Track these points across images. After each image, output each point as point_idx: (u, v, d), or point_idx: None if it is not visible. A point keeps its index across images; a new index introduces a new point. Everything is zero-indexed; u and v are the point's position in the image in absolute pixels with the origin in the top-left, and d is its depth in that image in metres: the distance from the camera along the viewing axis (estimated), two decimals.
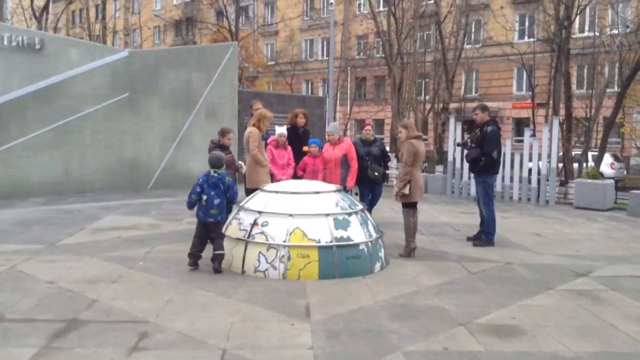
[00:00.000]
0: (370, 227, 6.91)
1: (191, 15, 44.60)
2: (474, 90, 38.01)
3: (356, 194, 8.89)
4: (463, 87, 34.78)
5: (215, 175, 6.69)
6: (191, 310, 5.18)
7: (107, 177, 13.57)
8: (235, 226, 6.80)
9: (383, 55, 27.62)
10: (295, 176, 8.70)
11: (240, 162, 8.15)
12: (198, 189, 6.62)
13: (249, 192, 8.43)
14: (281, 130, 8.81)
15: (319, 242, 6.38)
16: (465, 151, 8.68)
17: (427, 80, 31.11)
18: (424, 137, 8.08)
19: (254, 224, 6.59)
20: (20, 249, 7.43)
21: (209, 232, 6.66)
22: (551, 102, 19.67)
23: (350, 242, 6.51)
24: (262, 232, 6.50)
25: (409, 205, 7.55)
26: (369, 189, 9.06)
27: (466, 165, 14.27)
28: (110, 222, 9.57)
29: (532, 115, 23.75)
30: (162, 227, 9.23)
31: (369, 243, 6.70)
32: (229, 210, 7.10)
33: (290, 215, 6.50)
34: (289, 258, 6.32)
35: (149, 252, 7.45)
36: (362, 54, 37.51)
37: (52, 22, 23.56)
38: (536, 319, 5.18)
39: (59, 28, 43.98)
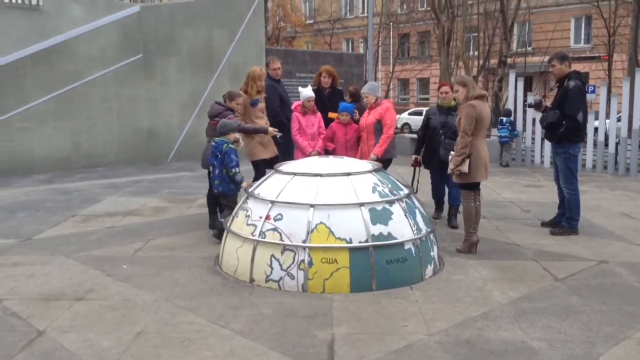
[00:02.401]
0: (420, 218, 5.22)
1: None
2: (527, 44, 35.08)
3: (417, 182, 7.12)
4: (516, 41, 32.19)
5: (213, 143, 6.23)
6: (166, 352, 3.64)
7: (121, 149, 12.17)
8: (242, 219, 5.22)
9: (428, 8, 25.29)
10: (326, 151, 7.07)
11: (237, 135, 6.56)
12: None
13: (254, 167, 7.12)
14: (307, 92, 7.13)
15: (351, 241, 4.74)
16: (539, 114, 6.84)
17: (474, 34, 28.75)
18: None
19: (266, 217, 4.99)
20: None
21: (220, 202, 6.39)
22: (611, 55, 17.42)
23: (393, 241, 4.85)
24: (275, 229, 4.90)
25: (470, 187, 5.81)
26: (440, 173, 6.92)
27: (533, 129, 12.36)
28: (110, 205, 8.14)
29: (609, 69, 21.23)
30: (169, 212, 7.75)
31: (418, 241, 5.03)
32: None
33: (312, 205, 4.86)
34: (310, 264, 4.71)
35: (140, 248, 5.97)
36: (404, 7, 35.01)
37: None
38: None
39: None
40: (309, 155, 6.82)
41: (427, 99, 39.01)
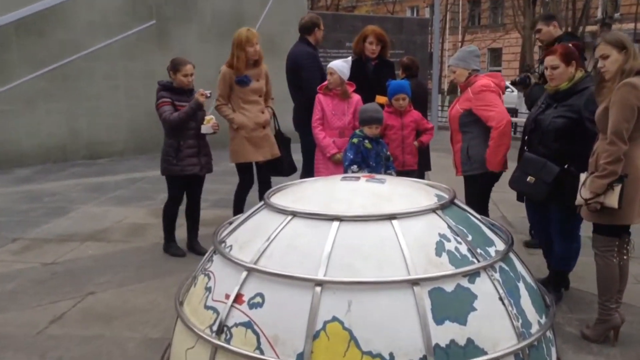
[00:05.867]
0: (527, 299, 2.76)
1: None
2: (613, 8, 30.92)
3: None
4: (600, 6, 28.30)
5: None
6: None
7: (130, 136, 10.16)
8: (200, 293, 2.91)
9: None
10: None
11: (202, 91, 4.62)
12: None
13: (238, 173, 5.23)
14: (336, 65, 4.75)
15: (392, 359, 2.37)
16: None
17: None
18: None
19: (235, 298, 2.66)
20: None
21: None
22: None
23: (479, 359, 2.44)
24: (248, 324, 2.57)
25: (615, 232, 3.28)
26: (536, 208, 4.13)
27: None
28: (76, 220, 6.08)
29: None
30: (147, 234, 5.60)
31: (526, 350, 2.59)
32: None
33: (319, 283, 2.50)
34: None
35: (63, 315, 3.80)
36: None
37: None
38: None
39: None
40: (332, 157, 4.55)
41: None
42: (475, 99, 4.26)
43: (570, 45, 3.86)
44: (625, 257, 3.33)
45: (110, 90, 9.91)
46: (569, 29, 18.57)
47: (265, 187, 5.29)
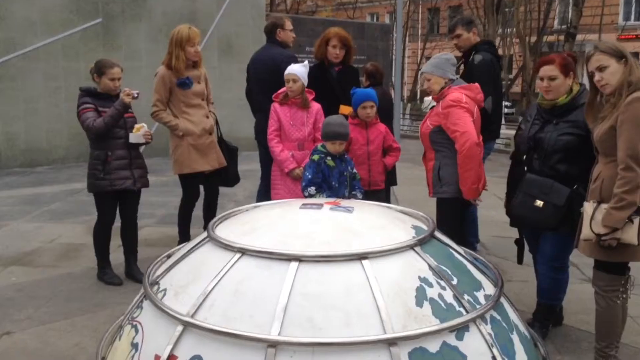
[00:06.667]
0: (521, 353, 2.31)
1: None
2: (568, 21, 31.50)
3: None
4: (557, 18, 28.65)
5: None
6: None
7: (73, 142, 9.42)
8: (125, 351, 2.36)
9: None
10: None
11: (129, 91, 4.25)
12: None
13: (182, 185, 4.83)
14: (299, 71, 4.27)
15: None
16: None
17: (509, 9, 25.31)
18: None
19: None
20: None
21: None
22: None
23: None
24: None
25: (621, 269, 2.86)
26: (533, 232, 3.66)
27: None
28: (2, 239, 5.45)
29: None
30: (81, 256, 4.99)
31: None
32: None
33: (273, 344, 1.98)
34: None
35: None
36: None
37: None
38: None
39: None
40: (290, 173, 4.07)
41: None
42: (444, 114, 3.81)
43: (566, 55, 3.44)
44: (625, 295, 2.92)
45: (50, 92, 9.18)
46: (533, 39, 18.57)
47: (212, 199, 4.87)
